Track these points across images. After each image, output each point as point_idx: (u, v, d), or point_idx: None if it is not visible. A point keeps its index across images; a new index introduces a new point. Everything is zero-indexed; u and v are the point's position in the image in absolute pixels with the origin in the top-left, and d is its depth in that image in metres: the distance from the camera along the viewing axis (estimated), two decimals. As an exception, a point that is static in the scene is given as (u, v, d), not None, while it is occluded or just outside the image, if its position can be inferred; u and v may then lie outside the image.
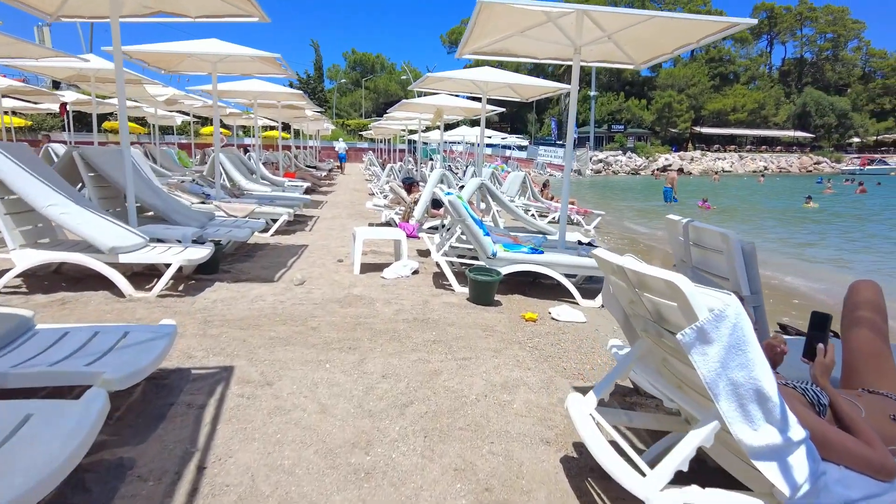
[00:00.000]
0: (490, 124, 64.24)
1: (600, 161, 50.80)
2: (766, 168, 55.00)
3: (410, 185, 9.58)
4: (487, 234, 5.18)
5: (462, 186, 11.24)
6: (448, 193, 5.19)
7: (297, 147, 28.99)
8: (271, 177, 14.01)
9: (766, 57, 73.96)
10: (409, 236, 8.30)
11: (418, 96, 20.12)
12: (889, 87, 67.46)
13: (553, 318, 4.48)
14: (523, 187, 12.33)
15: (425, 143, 43.59)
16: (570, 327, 4.29)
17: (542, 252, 5.16)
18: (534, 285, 5.53)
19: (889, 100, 67.08)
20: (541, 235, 6.58)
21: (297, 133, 33.51)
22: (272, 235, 7.91)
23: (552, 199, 13.57)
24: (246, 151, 20.55)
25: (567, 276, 5.04)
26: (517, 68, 14.59)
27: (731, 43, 67.82)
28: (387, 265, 5.88)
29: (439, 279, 5.51)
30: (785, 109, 64.50)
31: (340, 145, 37.22)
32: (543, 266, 5.00)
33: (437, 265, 5.56)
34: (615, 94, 61.08)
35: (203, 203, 8.19)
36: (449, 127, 33.34)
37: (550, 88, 8.17)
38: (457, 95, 12.48)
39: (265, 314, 4.14)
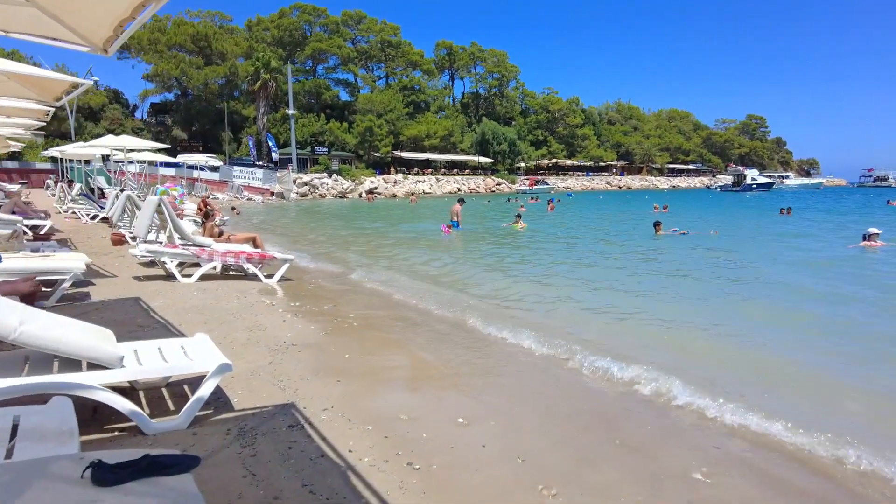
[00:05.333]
0: (178, 142, 55.32)
1: (306, 184, 47.68)
2: (459, 189, 59.64)
3: None
4: None
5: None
6: None
7: None
8: None
9: (450, 90, 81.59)
10: None
11: None
12: (540, 122, 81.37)
13: None
14: (162, 220, 7.65)
15: (86, 162, 34.38)
16: None
17: None
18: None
19: (541, 132, 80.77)
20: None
21: None
22: None
23: (221, 235, 9.49)
24: None
25: None
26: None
27: (419, 73, 72.65)
28: None
29: None
30: (469, 137, 71.59)
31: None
32: None
33: None
34: (316, 116, 58.99)
35: None
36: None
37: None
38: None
39: None
